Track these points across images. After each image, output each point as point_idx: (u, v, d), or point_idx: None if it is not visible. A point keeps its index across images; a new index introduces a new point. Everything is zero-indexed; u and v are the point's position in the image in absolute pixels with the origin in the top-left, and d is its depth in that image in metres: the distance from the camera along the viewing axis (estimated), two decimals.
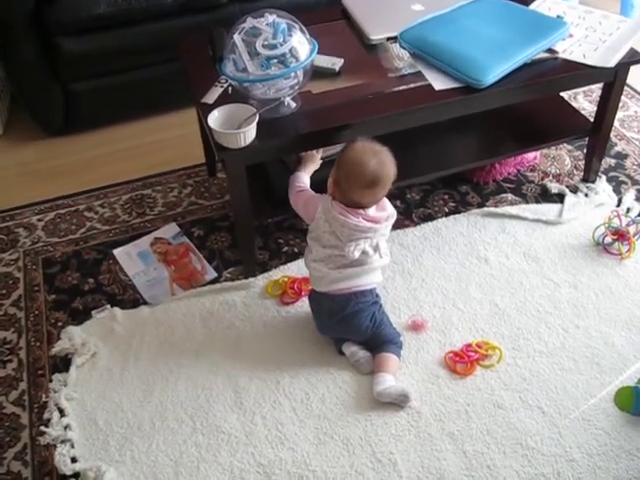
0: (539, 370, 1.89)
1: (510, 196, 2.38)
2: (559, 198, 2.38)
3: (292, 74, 1.84)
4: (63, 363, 1.96)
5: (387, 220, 1.82)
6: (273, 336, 2.01)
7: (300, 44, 1.82)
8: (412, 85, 1.99)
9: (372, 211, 1.80)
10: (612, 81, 2.12)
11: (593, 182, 2.40)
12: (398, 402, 1.81)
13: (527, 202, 2.36)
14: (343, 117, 1.91)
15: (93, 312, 2.08)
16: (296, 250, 2.23)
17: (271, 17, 1.84)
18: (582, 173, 2.45)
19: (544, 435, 1.76)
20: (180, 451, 1.76)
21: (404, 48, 2.10)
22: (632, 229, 2.17)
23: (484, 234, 2.26)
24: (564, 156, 2.55)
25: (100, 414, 1.84)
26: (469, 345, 1.94)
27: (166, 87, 2.68)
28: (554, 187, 2.39)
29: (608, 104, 2.18)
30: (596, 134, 2.28)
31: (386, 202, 1.84)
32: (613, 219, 2.20)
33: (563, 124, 2.33)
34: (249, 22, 1.84)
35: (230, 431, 1.79)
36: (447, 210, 2.35)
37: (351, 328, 1.89)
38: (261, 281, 2.15)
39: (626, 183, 2.42)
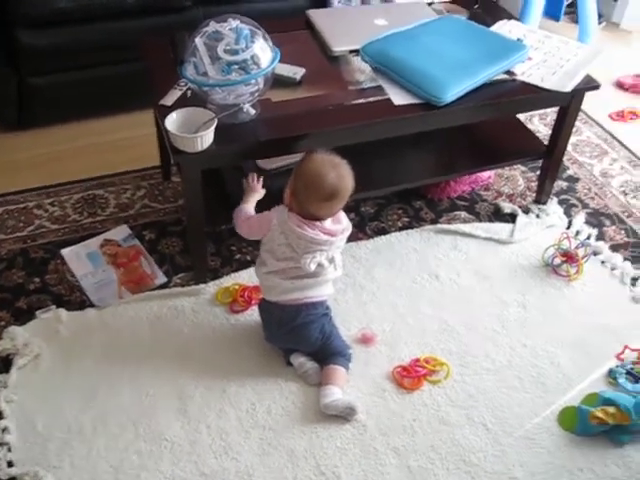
0: (485, 387, 1.90)
1: (463, 214, 2.41)
2: (511, 218, 2.41)
3: (253, 81, 1.83)
4: (4, 364, 1.90)
5: (343, 233, 1.81)
6: (221, 344, 1.98)
7: (262, 51, 1.82)
8: (372, 99, 2.00)
9: (328, 223, 1.79)
10: (567, 106, 2.16)
11: (545, 204, 2.44)
12: (344, 415, 1.80)
13: (480, 220, 2.39)
14: (302, 126, 1.91)
15: (37, 312, 2.03)
16: (248, 258, 2.21)
17: (234, 22, 1.83)
18: (534, 194, 2.48)
19: (488, 452, 1.77)
20: (121, 458, 1.72)
21: (366, 61, 2.10)
22: (581, 252, 2.20)
23: (436, 250, 2.27)
24: (518, 177, 2.59)
25: (40, 417, 1.79)
26: (417, 360, 1.94)
27: (124, 87, 2.64)
28: (507, 207, 2.42)
29: (562, 128, 2.22)
30: (549, 157, 2.32)
31: (342, 215, 1.84)
32: (563, 241, 2.23)
33: (518, 145, 2.36)
34: (212, 26, 1.83)
35: (173, 439, 1.76)
36: (401, 225, 2.36)
37: (300, 339, 1.88)
38: (211, 288, 2.12)
39: (577, 206, 2.47)
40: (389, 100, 1.98)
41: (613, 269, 2.23)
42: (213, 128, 1.78)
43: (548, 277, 2.21)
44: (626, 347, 1.99)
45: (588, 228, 2.37)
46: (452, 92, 1.95)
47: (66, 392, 1.85)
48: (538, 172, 2.47)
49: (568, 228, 2.37)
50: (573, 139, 2.70)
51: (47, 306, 2.05)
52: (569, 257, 2.19)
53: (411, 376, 1.91)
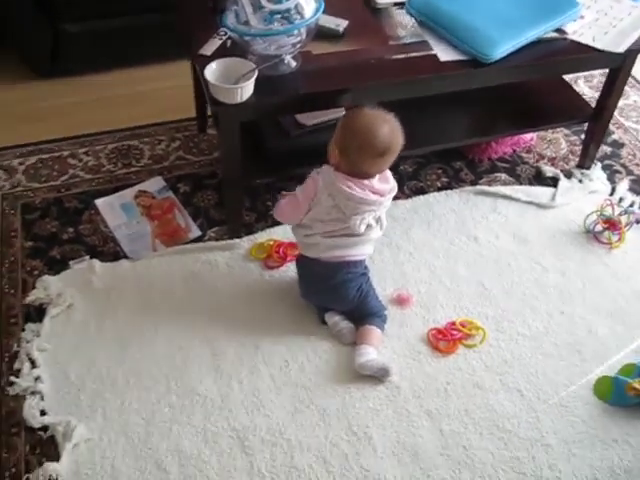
0: (521, 353, 1.87)
1: (504, 176, 2.35)
2: (553, 182, 2.34)
3: (295, 32, 1.77)
4: (37, 313, 1.90)
5: (391, 192, 1.78)
6: (255, 300, 1.96)
7: (306, 1, 1.75)
8: (416, 54, 1.92)
9: (377, 183, 1.75)
10: (619, 67, 2.07)
11: (588, 169, 2.37)
12: (378, 375, 1.79)
13: (520, 183, 2.33)
14: (344, 81, 1.85)
15: (71, 262, 2.02)
16: None
17: None
18: (577, 158, 2.41)
19: (521, 419, 1.75)
20: (153, 411, 1.73)
21: (411, 15, 2.03)
22: (624, 219, 2.14)
23: (475, 212, 2.22)
24: (561, 140, 2.51)
25: (73, 368, 1.80)
26: (453, 323, 1.92)
27: (162, 35, 2.57)
28: (549, 170, 2.36)
29: (612, 91, 2.13)
30: (596, 120, 2.24)
31: (389, 173, 1.79)
32: (606, 207, 2.17)
33: (564, 107, 2.28)
34: None
35: (205, 394, 1.76)
36: (439, 185, 2.31)
37: (337, 297, 1.85)
38: (246, 243, 2.10)
39: (620, 172, 2.40)
40: (434, 56, 1.90)
41: None
42: (254, 79, 1.72)
43: (589, 244, 2.15)
44: None
45: (632, 195, 2.30)
46: (501, 49, 1.87)
47: (99, 343, 1.85)
48: (582, 136, 2.39)
49: (611, 194, 2.31)
50: (619, 103, 2.59)
51: (81, 256, 2.04)
52: (611, 224, 2.13)
53: (446, 339, 1.89)
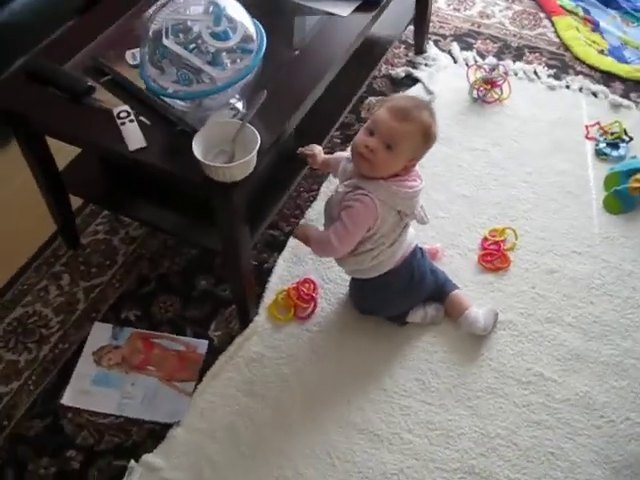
0: (543, 223, 1.95)
1: (373, 99, 2.25)
2: (409, 80, 2.34)
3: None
4: None
5: None
6: (331, 357, 1.69)
7: (243, 18, 1.39)
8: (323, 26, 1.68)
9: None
10: None
11: (425, 52, 2.41)
12: (494, 322, 1.73)
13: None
14: (302, 92, 1.54)
15: None
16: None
17: None
18: (401, 50, 2.43)
19: (608, 276, 1.83)
20: None
21: None
22: (496, 73, 2.26)
23: None
24: None
25: None
26: (485, 239, 1.90)
27: None
28: (400, 72, 2.35)
29: None
30: (421, 9, 2.24)
31: None
32: (476, 73, 2.27)
33: (395, 14, 2.20)
34: (163, 19, 1.33)
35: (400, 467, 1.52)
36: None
37: (421, 291, 1.71)
38: (261, 315, 1.75)
39: (439, 40, 2.48)
40: (334, 16, 1.69)
41: (516, 74, 2.34)
42: (258, 138, 1.34)
43: (485, 110, 2.24)
44: (586, 126, 2.18)
45: (467, 52, 2.42)
46: None
47: None
48: None
49: (455, 62, 2.39)
50: None
51: (121, 468, 1.50)
52: (491, 83, 2.24)
53: (496, 256, 1.87)
